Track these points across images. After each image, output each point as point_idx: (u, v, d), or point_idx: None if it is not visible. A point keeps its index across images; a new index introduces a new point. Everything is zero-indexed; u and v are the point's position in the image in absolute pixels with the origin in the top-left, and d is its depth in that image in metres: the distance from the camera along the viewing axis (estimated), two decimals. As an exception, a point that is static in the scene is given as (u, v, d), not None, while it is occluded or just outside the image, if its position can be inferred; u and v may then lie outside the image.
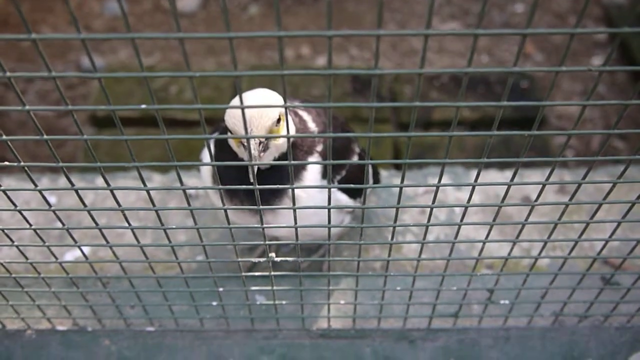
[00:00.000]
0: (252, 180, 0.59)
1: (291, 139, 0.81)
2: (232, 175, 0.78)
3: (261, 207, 0.63)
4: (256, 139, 0.69)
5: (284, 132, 0.75)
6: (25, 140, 0.57)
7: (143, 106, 0.50)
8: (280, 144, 0.75)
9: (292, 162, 0.57)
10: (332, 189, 0.63)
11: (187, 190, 0.62)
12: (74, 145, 2.25)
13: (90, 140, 0.54)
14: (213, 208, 0.65)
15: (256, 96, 0.75)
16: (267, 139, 0.72)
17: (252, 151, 0.68)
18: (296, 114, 0.85)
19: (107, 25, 2.82)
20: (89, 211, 0.66)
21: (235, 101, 0.73)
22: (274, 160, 0.77)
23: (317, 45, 2.65)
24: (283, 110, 0.74)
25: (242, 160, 0.78)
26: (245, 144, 0.67)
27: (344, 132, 0.97)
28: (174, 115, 2.23)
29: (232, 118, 0.71)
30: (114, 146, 2.14)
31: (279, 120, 0.74)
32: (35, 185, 0.62)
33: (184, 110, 2.27)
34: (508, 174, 1.31)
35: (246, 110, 0.72)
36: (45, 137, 0.54)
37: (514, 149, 2.06)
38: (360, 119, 2.16)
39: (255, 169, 0.68)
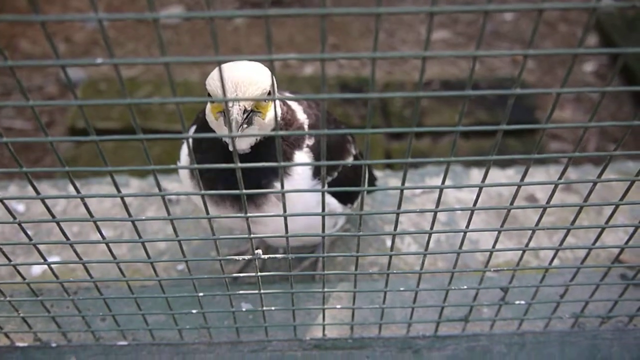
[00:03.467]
0: (233, 161, 0.51)
1: (279, 125, 0.73)
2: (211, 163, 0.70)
3: (244, 191, 0.55)
4: (240, 106, 0.61)
5: (270, 112, 0.67)
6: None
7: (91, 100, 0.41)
8: (265, 123, 0.67)
9: (280, 132, 0.49)
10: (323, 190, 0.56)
11: (168, 196, 0.54)
12: (53, 158, 2.16)
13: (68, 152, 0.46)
14: (188, 193, 0.56)
15: (245, 65, 0.67)
16: (252, 112, 0.64)
17: (234, 115, 0.59)
18: (284, 104, 0.78)
19: (89, 38, 2.75)
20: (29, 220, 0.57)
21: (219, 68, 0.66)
22: (256, 142, 0.70)
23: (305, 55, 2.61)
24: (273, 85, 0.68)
25: (220, 142, 0.70)
26: (226, 112, 0.60)
27: (338, 129, 0.90)
28: (157, 126, 2.17)
29: (216, 81, 0.63)
30: (94, 158, 2.06)
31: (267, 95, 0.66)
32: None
33: (166, 121, 2.20)
34: (509, 172, 1.24)
35: (235, 76, 0.63)
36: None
37: (509, 153, 2.01)
38: (351, 126, 2.10)
39: (233, 144, 0.60)
